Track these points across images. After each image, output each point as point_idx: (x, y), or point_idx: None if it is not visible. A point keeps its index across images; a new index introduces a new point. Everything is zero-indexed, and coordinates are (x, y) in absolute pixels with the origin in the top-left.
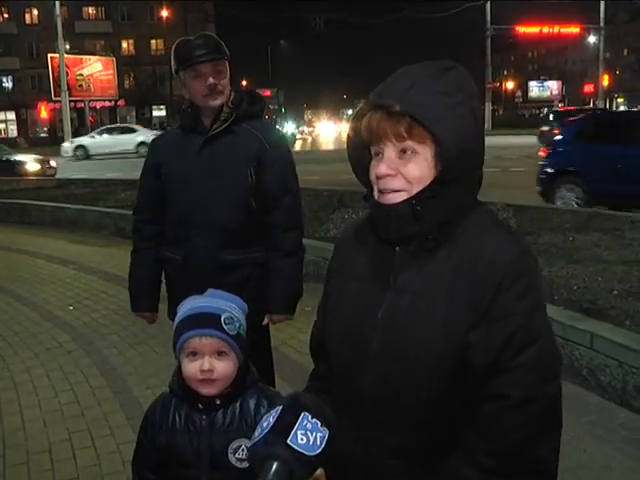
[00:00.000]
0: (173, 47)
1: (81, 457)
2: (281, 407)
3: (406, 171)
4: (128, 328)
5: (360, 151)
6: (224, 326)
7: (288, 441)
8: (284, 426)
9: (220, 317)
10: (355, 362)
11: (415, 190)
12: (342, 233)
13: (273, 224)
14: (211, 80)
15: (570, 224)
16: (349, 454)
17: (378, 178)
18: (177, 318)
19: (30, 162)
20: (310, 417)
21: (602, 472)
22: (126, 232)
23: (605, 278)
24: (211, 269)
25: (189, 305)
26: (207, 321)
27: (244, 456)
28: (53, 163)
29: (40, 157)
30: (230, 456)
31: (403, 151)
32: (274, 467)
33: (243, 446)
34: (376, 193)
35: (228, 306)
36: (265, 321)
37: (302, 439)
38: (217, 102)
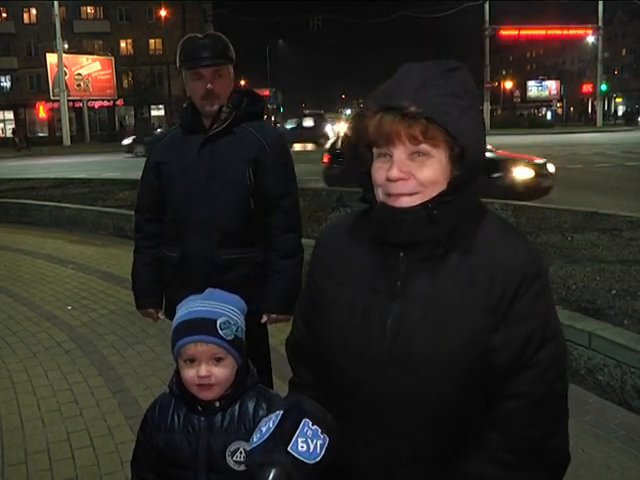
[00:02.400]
0: (180, 42)
1: (80, 457)
2: (281, 412)
3: (421, 174)
4: (126, 328)
5: (355, 151)
6: (220, 332)
7: (288, 448)
8: (284, 432)
9: (216, 322)
10: (362, 371)
11: (428, 193)
12: (326, 235)
13: (273, 225)
14: (209, 86)
15: (568, 224)
16: (363, 462)
17: (389, 181)
18: (174, 321)
19: (518, 166)
20: (311, 424)
21: (601, 471)
22: (125, 232)
23: (603, 278)
24: (208, 268)
25: (186, 308)
26: (202, 327)
27: (242, 459)
28: (551, 168)
29: (533, 159)
30: (228, 458)
31: (417, 153)
32: (272, 474)
33: (241, 449)
34: (381, 195)
35: (225, 308)
36: (264, 319)
37: (302, 446)
38: (214, 107)
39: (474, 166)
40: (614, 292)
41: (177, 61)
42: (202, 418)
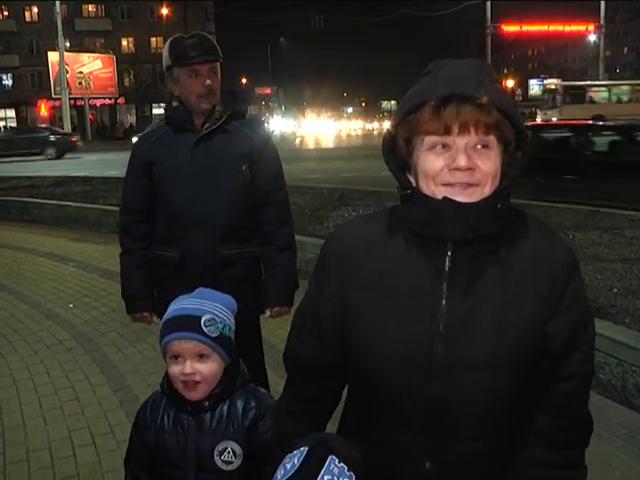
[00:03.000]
0: (168, 43)
1: (81, 455)
2: (307, 449)
3: (484, 166)
4: (128, 326)
5: (391, 145)
6: (204, 328)
7: None
8: (310, 470)
9: (200, 319)
10: (415, 379)
11: (487, 188)
12: (339, 243)
13: (267, 220)
14: (208, 82)
15: (570, 222)
16: (422, 469)
17: (456, 170)
18: (163, 319)
19: None
20: (337, 461)
21: (602, 470)
22: None
23: (605, 276)
24: (210, 265)
25: (174, 306)
26: (186, 324)
27: (229, 459)
28: None
29: None
30: (216, 458)
31: (480, 146)
32: None
33: (229, 448)
34: (433, 187)
35: (213, 306)
36: (267, 313)
37: None
38: (210, 105)
39: (527, 161)
40: (615, 291)
41: (165, 62)
42: (191, 418)
